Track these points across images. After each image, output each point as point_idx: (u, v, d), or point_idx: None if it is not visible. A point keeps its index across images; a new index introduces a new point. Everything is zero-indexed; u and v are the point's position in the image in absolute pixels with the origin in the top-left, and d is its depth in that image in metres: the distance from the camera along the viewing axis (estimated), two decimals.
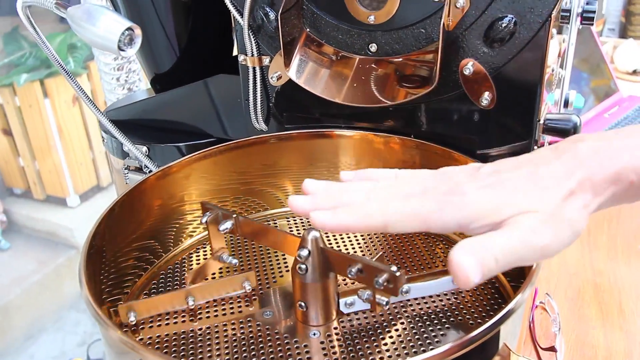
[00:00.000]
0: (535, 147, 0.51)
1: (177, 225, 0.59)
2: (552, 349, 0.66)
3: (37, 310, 1.94)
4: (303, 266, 0.44)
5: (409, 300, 0.50)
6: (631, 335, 0.69)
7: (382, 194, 0.38)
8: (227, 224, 0.49)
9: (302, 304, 0.46)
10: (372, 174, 0.41)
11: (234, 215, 0.49)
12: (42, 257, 2.08)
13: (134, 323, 0.48)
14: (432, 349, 0.45)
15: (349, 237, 0.59)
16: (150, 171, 0.66)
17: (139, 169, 0.69)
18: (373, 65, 0.55)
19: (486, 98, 0.51)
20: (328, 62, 0.56)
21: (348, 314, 0.48)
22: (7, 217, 2.25)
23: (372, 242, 0.58)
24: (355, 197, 0.38)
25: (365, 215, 0.36)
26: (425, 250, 0.57)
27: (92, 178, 2.29)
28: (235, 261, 0.53)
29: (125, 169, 0.69)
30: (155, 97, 0.72)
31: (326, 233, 0.54)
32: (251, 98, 0.61)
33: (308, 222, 0.62)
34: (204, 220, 0.49)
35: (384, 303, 0.41)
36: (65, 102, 2.12)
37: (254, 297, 0.51)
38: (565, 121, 0.50)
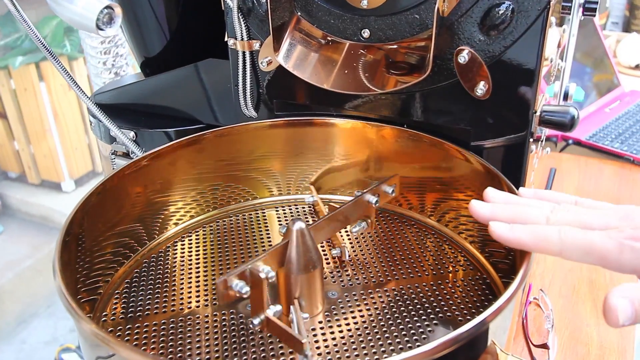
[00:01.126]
0: (531, 140, 0.50)
1: (162, 214, 0.57)
2: (544, 346, 0.65)
3: (30, 295, 1.93)
4: None
5: (397, 294, 0.49)
6: (625, 332, 0.68)
7: (562, 218, 0.38)
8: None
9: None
10: (551, 196, 0.42)
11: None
12: (35, 242, 2.06)
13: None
14: (418, 346, 0.43)
15: None
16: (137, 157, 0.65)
17: (127, 155, 0.67)
18: (363, 52, 0.53)
19: (481, 88, 0.49)
20: (317, 46, 0.54)
21: (333, 309, 0.47)
22: (2, 200, 2.24)
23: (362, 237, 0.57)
24: (534, 215, 0.39)
25: (543, 238, 0.37)
26: (417, 244, 0.55)
27: (88, 163, 2.28)
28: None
29: (112, 154, 0.68)
30: (144, 81, 0.70)
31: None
32: (240, 84, 0.59)
33: (295, 213, 0.61)
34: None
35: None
36: (61, 86, 2.10)
37: None
38: (562, 113, 0.49)
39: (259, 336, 0.45)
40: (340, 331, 0.45)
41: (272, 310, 0.41)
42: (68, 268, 0.42)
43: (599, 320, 0.70)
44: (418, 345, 0.43)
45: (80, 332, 0.38)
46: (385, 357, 0.31)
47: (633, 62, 1.51)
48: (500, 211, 0.40)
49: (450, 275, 0.51)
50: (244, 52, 0.58)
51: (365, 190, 0.51)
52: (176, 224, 0.59)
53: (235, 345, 0.44)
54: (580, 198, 0.41)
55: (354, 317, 0.46)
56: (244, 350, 0.43)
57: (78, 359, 1.58)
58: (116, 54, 0.98)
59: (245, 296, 0.39)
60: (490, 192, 0.43)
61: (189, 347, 0.44)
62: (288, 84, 0.58)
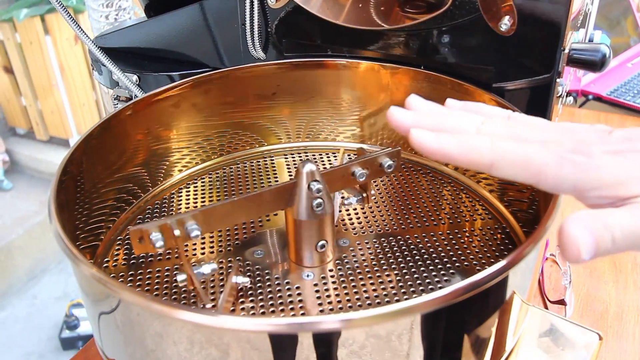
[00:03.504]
0: (558, 80, 0.47)
1: (167, 160, 0.55)
2: (561, 302, 0.63)
3: (40, 251, 1.93)
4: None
5: (411, 243, 0.46)
6: None
7: (494, 130, 0.33)
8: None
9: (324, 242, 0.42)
10: (482, 109, 0.37)
11: None
12: (44, 198, 2.06)
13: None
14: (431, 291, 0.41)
15: None
16: None
17: (130, 99, 0.64)
18: None
19: (506, 22, 0.45)
20: None
21: (344, 258, 0.45)
22: (10, 157, 2.23)
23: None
24: (463, 125, 0.34)
25: (472, 147, 0.32)
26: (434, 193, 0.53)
27: (96, 118, 2.25)
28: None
29: (115, 99, 0.65)
30: (147, 22, 0.66)
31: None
32: (248, 22, 0.56)
33: (305, 158, 0.58)
34: None
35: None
36: (67, 40, 2.06)
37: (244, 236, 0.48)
38: (592, 51, 0.45)
39: (267, 284, 0.42)
40: (352, 280, 0.43)
41: (201, 269, 0.39)
42: (66, 210, 0.40)
43: (619, 277, 0.67)
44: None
45: (80, 280, 0.36)
46: (400, 305, 0.29)
47: None
48: (425, 120, 0.34)
49: (468, 224, 0.48)
50: None
51: (358, 160, 0.44)
52: (181, 170, 0.56)
53: (241, 294, 0.42)
54: (513, 112, 0.36)
55: (365, 266, 0.44)
56: (251, 299, 0.41)
57: None
58: (119, 7, 0.94)
59: (159, 251, 0.35)
60: (413, 99, 0.37)
61: (194, 293, 0.42)
62: (298, 22, 0.55)
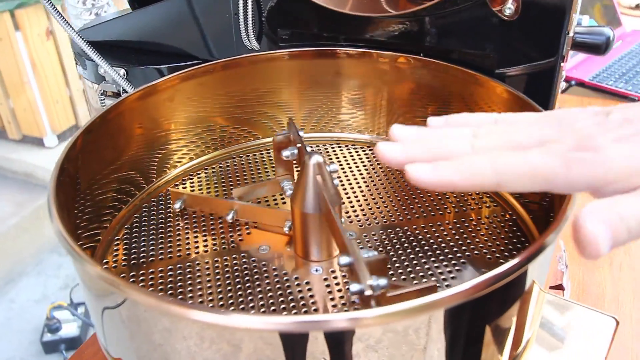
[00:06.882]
0: (562, 65, 0.46)
1: (161, 154, 0.53)
2: (559, 287, 0.63)
3: (17, 254, 1.88)
4: None
5: (418, 233, 0.45)
6: (638, 273, 0.66)
7: (489, 143, 0.31)
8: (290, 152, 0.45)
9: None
10: (467, 119, 0.34)
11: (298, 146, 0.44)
12: (19, 199, 2.01)
13: (178, 210, 0.49)
14: (447, 286, 0.41)
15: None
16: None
17: (117, 94, 0.62)
18: None
19: (509, 7, 0.45)
20: None
21: None
22: None
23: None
24: (456, 147, 0.31)
25: (473, 171, 0.30)
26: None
27: (70, 116, 2.20)
28: (290, 192, 0.48)
29: (101, 95, 0.63)
30: (132, 14, 0.64)
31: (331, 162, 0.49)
32: (241, 12, 0.54)
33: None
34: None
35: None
36: (38, 36, 2.00)
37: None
38: (596, 35, 0.45)
39: (275, 280, 0.41)
40: None
41: None
42: (65, 210, 0.38)
43: (612, 260, 0.68)
44: (447, 286, 0.41)
45: (83, 279, 0.34)
46: (423, 299, 0.28)
47: (633, 2, 1.47)
48: (415, 150, 0.32)
49: (474, 213, 0.48)
50: None
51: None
52: (175, 166, 0.55)
53: (250, 292, 0.40)
54: (500, 115, 0.34)
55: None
56: (260, 296, 0.40)
57: (70, 316, 1.56)
58: None
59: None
60: (395, 129, 0.34)
61: (199, 292, 0.41)
62: (293, 11, 0.54)
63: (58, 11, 0.54)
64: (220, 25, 0.59)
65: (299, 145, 0.45)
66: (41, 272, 1.88)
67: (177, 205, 0.49)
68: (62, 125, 2.18)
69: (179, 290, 0.41)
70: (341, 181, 0.52)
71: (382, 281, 0.31)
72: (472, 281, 0.29)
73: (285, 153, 0.46)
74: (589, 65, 1.12)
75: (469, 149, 0.31)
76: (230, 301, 0.40)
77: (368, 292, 0.31)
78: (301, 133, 0.45)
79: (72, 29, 0.55)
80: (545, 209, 0.44)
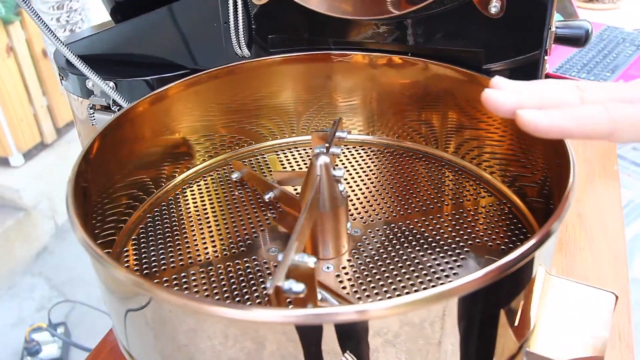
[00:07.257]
0: (546, 58, 0.48)
1: (153, 168, 0.53)
2: None
3: None
4: None
5: (420, 226, 0.47)
6: (615, 252, 0.69)
7: (598, 96, 0.31)
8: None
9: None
10: (550, 84, 0.34)
11: None
12: None
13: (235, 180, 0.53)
14: (455, 274, 0.42)
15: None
16: (120, 108, 0.60)
17: (107, 108, 0.62)
18: None
19: (495, 5, 0.47)
20: None
21: (360, 246, 0.45)
22: None
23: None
24: (565, 98, 0.32)
25: (588, 118, 0.30)
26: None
27: (35, 135, 2.15)
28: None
29: (90, 109, 0.63)
30: (115, 27, 0.64)
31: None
32: (232, 20, 0.55)
33: (297, 154, 0.58)
34: None
35: None
36: None
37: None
38: (577, 28, 0.47)
39: None
40: (372, 268, 0.43)
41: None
42: (83, 220, 0.38)
43: (593, 243, 0.71)
44: (455, 274, 0.42)
45: (107, 283, 0.34)
46: (433, 286, 0.29)
47: None
48: (523, 98, 0.32)
49: (470, 204, 0.50)
50: None
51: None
52: (173, 176, 0.55)
53: (255, 290, 0.41)
54: (579, 82, 0.33)
55: (382, 253, 0.45)
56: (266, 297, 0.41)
57: (50, 338, 1.52)
58: (70, 8, 0.91)
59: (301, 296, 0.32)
60: (499, 79, 0.34)
61: (216, 294, 0.41)
62: (283, 17, 0.55)
63: (47, 25, 0.54)
64: (208, 35, 0.59)
65: (326, 144, 0.46)
66: (15, 295, 1.84)
67: (235, 176, 0.53)
68: (27, 143, 2.13)
69: (195, 292, 0.42)
70: (346, 179, 0.54)
71: (298, 287, 0.32)
72: (486, 268, 0.30)
73: (316, 150, 0.46)
74: (553, 57, 1.17)
75: (577, 101, 0.32)
76: (249, 302, 0.41)
77: (270, 291, 0.31)
78: (340, 133, 0.47)
79: (61, 42, 0.55)
80: (539, 195, 0.46)
